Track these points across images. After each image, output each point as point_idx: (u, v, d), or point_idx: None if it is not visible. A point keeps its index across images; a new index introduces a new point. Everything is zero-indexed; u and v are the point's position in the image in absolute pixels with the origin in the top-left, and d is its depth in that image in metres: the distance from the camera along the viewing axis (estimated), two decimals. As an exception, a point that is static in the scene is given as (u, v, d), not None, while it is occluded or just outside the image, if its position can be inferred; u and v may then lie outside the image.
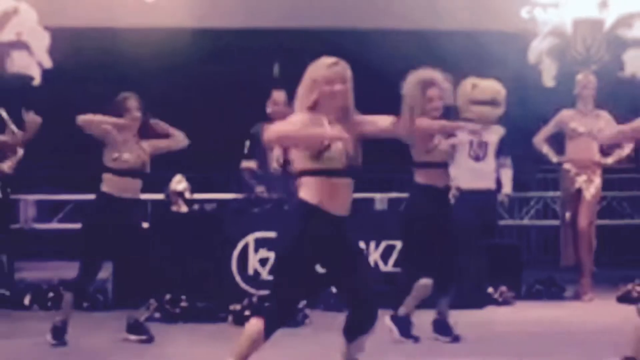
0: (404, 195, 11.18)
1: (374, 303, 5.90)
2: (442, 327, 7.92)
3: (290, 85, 9.42)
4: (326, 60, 5.67)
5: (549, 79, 11.02)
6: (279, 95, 9.85)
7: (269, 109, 9.86)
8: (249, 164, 9.87)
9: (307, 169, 5.64)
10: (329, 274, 5.76)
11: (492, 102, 9.97)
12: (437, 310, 7.97)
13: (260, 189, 9.76)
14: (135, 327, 7.81)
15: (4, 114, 7.62)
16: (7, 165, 9.32)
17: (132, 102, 7.84)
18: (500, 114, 10.03)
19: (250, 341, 5.63)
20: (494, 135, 9.99)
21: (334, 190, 5.62)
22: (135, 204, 7.97)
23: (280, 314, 5.70)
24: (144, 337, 7.74)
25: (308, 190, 5.63)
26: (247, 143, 9.86)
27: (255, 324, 5.60)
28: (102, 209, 7.84)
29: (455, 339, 7.88)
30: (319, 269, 5.74)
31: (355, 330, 5.76)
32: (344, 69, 5.67)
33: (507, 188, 10.05)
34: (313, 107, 5.64)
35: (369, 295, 5.83)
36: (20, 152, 9.27)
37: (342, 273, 5.80)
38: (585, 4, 11.09)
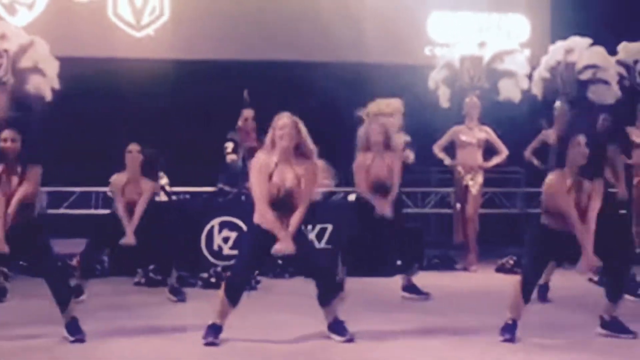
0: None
1: (328, 278, 6.10)
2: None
3: (255, 106, 9.49)
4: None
5: (444, 101, 11.09)
6: (248, 113, 9.86)
7: (239, 123, 9.85)
8: (235, 157, 9.82)
9: None
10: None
11: (393, 115, 10.00)
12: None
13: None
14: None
15: None
16: None
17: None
18: (399, 124, 10.02)
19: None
20: (399, 141, 10.01)
21: None
22: None
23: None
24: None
25: None
26: (231, 144, 9.79)
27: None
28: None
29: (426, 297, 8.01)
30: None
31: (322, 297, 6.04)
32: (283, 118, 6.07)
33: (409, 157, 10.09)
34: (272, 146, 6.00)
35: (323, 272, 6.10)
36: None
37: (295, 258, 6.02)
38: (469, 44, 11.18)
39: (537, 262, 6.34)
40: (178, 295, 7.98)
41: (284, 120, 6.07)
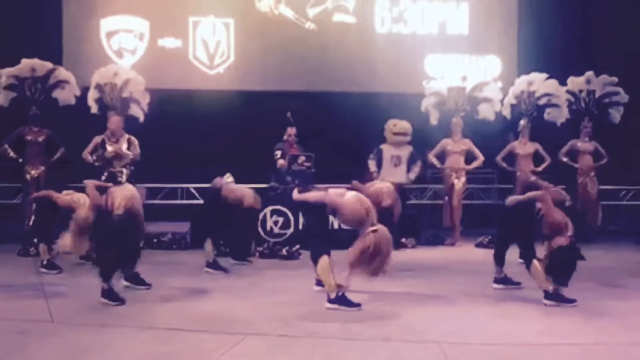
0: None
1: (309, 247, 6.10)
2: None
3: (296, 124, 9.55)
4: None
5: (433, 120, 11.12)
6: (292, 130, 10.09)
7: (285, 137, 10.09)
8: (283, 162, 10.01)
9: None
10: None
11: (405, 134, 10.17)
12: None
13: (289, 178, 9.86)
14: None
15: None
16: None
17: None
18: (409, 139, 10.18)
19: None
20: (405, 152, 10.20)
21: None
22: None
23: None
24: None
25: None
26: (279, 152, 9.96)
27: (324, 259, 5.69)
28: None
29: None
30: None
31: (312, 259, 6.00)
32: None
33: (412, 176, 10.15)
34: None
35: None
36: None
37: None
38: (453, 78, 11.28)
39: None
40: (242, 260, 8.25)
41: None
